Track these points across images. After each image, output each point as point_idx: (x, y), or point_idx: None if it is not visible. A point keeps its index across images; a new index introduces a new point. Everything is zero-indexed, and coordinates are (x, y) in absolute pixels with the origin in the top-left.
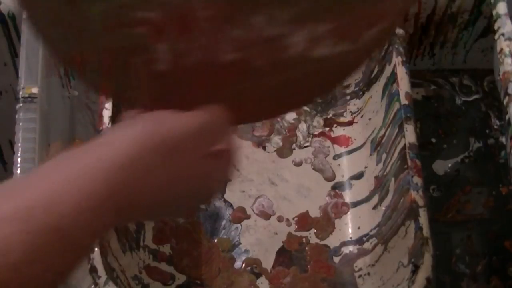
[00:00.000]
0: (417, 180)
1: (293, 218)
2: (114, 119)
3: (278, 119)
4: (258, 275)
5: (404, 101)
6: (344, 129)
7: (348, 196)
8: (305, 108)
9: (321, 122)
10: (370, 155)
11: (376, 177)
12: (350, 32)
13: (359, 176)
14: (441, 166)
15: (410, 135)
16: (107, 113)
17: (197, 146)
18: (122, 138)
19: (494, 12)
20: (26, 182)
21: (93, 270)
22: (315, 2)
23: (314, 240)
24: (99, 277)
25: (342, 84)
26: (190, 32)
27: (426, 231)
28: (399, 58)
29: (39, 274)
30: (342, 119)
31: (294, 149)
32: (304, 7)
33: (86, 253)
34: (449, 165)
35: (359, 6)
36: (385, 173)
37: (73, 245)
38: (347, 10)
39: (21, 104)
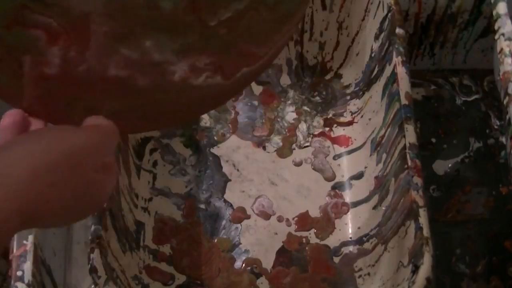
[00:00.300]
0: (417, 180)
1: (293, 218)
2: None
3: (278, 119)
4: (258, 275)
5: (404, 101)
6: (344, 129)
7: (348, 196)
8: (305, 108)
9: (321, 122)
10: (370, 155)
11: (376, 177)
12: (227, 68)
13: (359, 176)
14: (441, 166)
15: (410, 135)
16: None
17: (94, 159)
18: (26, 154)
19: (494, 12)
20: None
21: (93, 270)
22: (201, 38)
23: (314, 240)
24: (99, 277)
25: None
26: (83, 43)
27: (426, 231)
28: (399, 58)
29: None
30: (342, 119)
31: (294, 149)
32: (190, 40)
33: None
34: (449, 165)
35: (242, 45)
36: (385, 173)
37: None
38: (229, 47)
39: None
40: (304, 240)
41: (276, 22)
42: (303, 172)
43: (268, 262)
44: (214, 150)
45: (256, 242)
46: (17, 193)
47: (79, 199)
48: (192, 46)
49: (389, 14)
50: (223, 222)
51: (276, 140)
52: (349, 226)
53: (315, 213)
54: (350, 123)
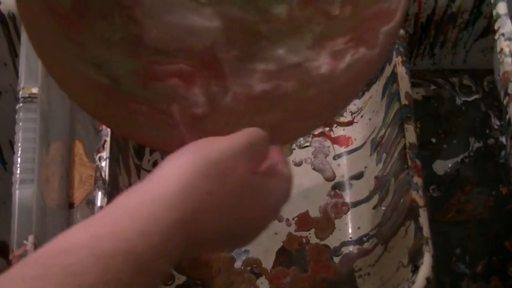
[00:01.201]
0: (417, 180)
1: (293, 218)
2: None
3: None
4: (258, 275)
5: (404, 101)
6: (344, 129)
7: (348, 196)
8: None
9: None
10: (370, 155)
11: (376, 177)
12: (367, 36)
13: (359, 176)
14: (441, 166)
15: (410, 135)
16: None
17: (246, 163)
18: (176, 169)
19: (494, 12)
20: (101, 213)
21: None
22: (328, 25)
23: (314, 240)
24: None
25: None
26: (219, 73)
27: (426, 231)
28: (399, 58)
29: None
30: (342, 119)
31: (294, 149)
32: (319, 30)
33: (161, 276)
34: (449, 165)
35: (372, 8)
36: (385, 173)
37: (145, 267)
38: (361, 18)
39: (21, 104)
40: (304, 240)
41: None
42: (303, 172)
43: (268, 262)
44: None
45: (256, 242)
46: (173, 204)
47: (242, 206)
48: (324, 35)
49: None
50: None
51: None
52: (349, 226)
53: (315, 213)
54: (350, 123)
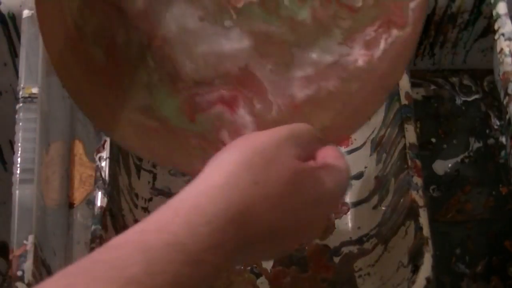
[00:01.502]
0: (417, 180)
1: None
2: None
3: None
4: (258, 275)
5: (404, 101)
6: None
7: (348, 196)
8: None
9: None
10: (370, 155)
11: (376, 177)
12: (395, 17)
13: (359, 176)
14: (441, 166)
15: (410, 135)
16: None
17: (290, 150)
18: (220, 164)
19: (494, 12)
20: (151, 213)
21: None
22: (355, 19)
23: (314, 240)
24: None
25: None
26: (259, 90)
27: (426, 231)
28: None
29: (164, 285)
30: None
31: None
32: (347, 26)
33: (214, 270)
34: (449, 165)
35: None
36: (385, 173)
37: (193, 257)
38: (379, 4)
39: (21, 104)
40: None
41: None
42: None
43: (268, 262)
44: None
45: None
46: (218, 195)
47: (293, 196)
48: (352, 29)
49: None
50: None
51: None
52: (349, 226)
53: None
54: None
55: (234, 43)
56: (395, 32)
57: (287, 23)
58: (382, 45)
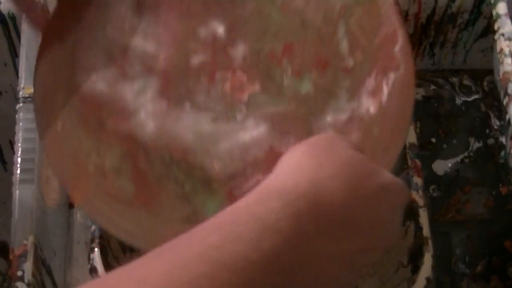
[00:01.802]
0: (417, 180)
1: None
2: None
3: None
4: None
5: None
6: None
7: None
8: None
9: None
10: None
11: None
12: (386, 62)
13: None
14: (441, 166)
15: (410, 135)
16: None
17: (344, 142)
18: (284, 158)
19: (494, 12)
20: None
21: (93, 270)
22: (351, 77)
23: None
24: (99, 277)
25: None
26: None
27: (426, 231)
28: None
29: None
30: None
31: None
32: (347, 85)
33: (293, 244)
34: (449, 165)
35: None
36: None
37: (268, 225)
38: (369, 57)
39: (21, 104)
40: None
41: None
42: None
43: None
44: None
45: None
46: (288, 177)
47: (358, 178)
48: (354, 85)
49: None
50: None
51: None
52: None
53: None
54: None
55: (252, 131)
56: (392, 75)
57: (294, 100)
58: (385, 89)
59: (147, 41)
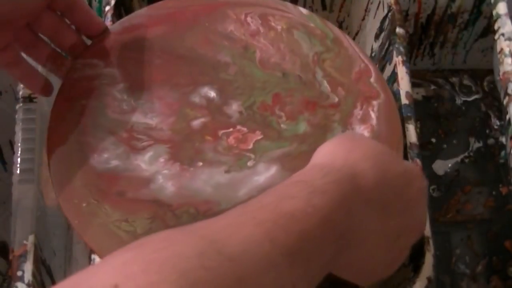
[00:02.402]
0: None
1: None
2: None
3: None
4: None
5: (404, 100)
6: None
7: None
8: None
9: None
10: None
11: None
12: (367, 92)
13: None
14: (441, 166)
15: (411, 135)
16: None
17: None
18: (315, 155)
19: (494, 12)
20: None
21: None
22: (339, 111)
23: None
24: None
25: None
26: None
27: (426, 231)
28: (400, 58)
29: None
30: None
31: None
32: (338, 119)
33: (337, 209)
34: (449, 165)
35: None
36: None
37: (316, 191)
38: (350, 90)
39: (21, 104)
40: None
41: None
42: None
43: None
44: None
45: None
46: (322, 161)
47: (386, 172)
48: (344, 117)
49: (389, 14)
50: None
51: None
52: None
53: None
54: None
55: (265, 174)
56: (374, 102)
57: (295, 140)
58: (372, 115)
59: (147, 117)
